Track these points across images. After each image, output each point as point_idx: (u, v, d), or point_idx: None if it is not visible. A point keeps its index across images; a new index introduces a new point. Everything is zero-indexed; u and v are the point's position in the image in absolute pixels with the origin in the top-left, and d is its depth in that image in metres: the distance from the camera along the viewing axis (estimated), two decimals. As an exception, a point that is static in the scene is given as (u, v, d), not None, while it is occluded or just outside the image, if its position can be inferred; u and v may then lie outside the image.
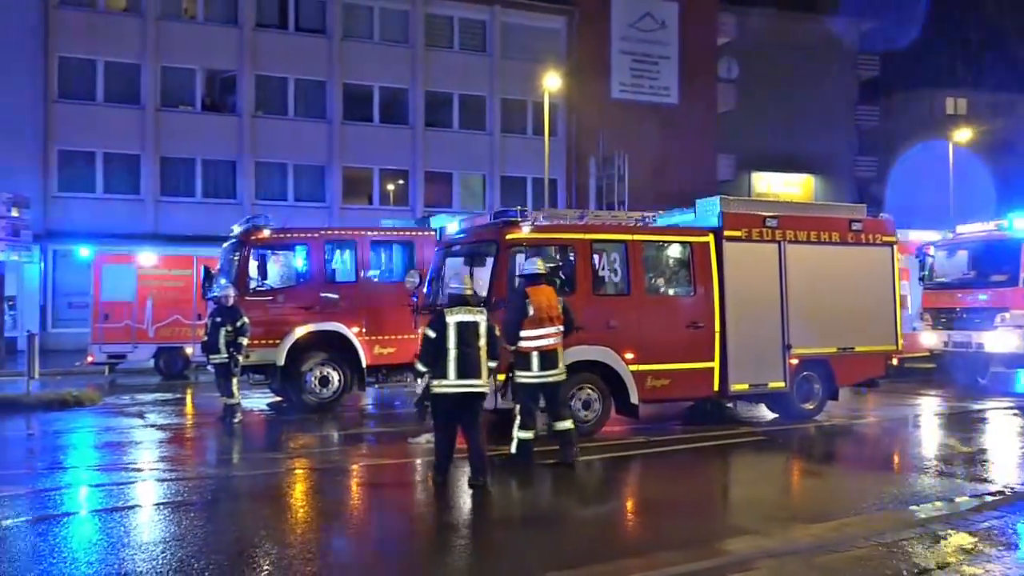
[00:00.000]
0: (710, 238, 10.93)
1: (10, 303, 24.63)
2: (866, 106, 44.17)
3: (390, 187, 31.36)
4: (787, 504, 7.53)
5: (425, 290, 11.00)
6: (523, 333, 8.36)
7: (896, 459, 9.62)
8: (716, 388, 10.78)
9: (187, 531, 6.50)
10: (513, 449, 8.39)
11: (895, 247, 12.07)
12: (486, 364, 7.73)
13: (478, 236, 10.58)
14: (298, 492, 8.27)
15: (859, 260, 11.76)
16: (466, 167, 32.08)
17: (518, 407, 8.43)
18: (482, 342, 7.72)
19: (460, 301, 7.81)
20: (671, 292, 11.07)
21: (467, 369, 7.61)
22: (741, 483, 8.65)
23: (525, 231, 9.95)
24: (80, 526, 6.77)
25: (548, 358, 8.50)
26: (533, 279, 8.61)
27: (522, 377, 8.45)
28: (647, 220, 11.55)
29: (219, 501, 7.62)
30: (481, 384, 7.69)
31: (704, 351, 10.71)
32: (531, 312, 8.36)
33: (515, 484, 8.18)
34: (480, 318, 7.77)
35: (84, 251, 20.53)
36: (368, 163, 30.61)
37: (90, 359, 18.35)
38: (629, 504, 7.92)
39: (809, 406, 11.51)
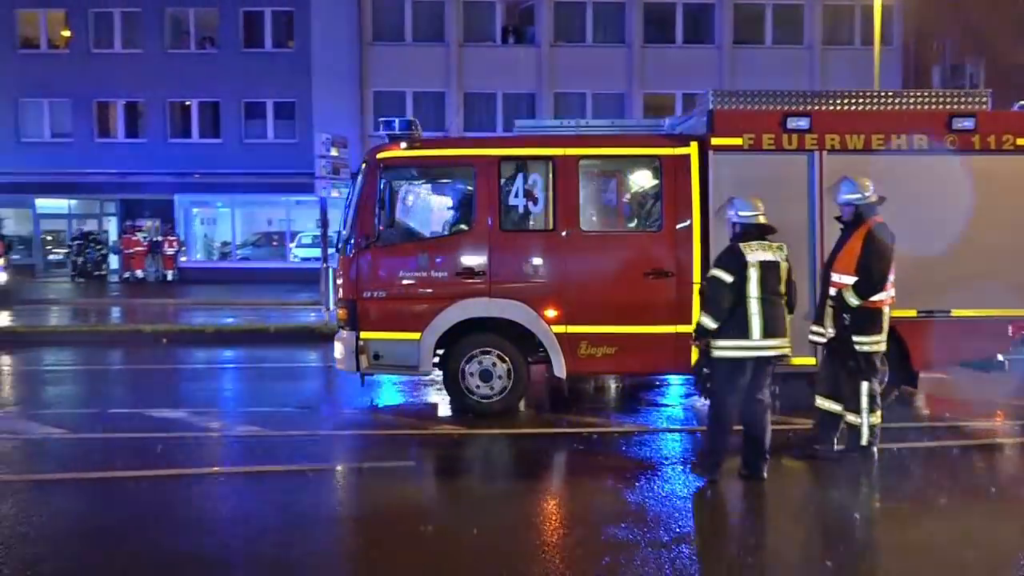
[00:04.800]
0: (691, 149, 7.88)
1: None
2: None
3: (695, 113, 29.20)
4: None
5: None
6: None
7: None
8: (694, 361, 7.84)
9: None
10: (864, 438, 6.41)
11: None
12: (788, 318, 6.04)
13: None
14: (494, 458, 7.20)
15: (967, 176, 7.75)
16: (780, 86, 28.52)
17: (866, 385, 6.38)
18: (783, 288, 6.00)
19: (756, 232, 6.05)
20: (625, 227, 8.35)
21: (775, 325, 5.91)
22: None
23: (401, 148, 7.84)
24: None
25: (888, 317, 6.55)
26: (875, 209, 6.51)
27: (869, 344, 6.38)
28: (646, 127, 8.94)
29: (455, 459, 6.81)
30: (788, 346, 5.99)
31: (672, 309, 7.79)
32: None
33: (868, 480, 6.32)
34: (782, 256, 6.02)
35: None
36: (670, 87, 28.62)
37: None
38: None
39: None
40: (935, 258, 7.58)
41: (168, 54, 28.27)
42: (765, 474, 6.03)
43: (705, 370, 6.01)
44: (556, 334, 7.84)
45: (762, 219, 6.08)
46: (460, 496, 6.08)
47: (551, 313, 7.82)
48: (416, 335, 7.88)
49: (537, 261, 7.93)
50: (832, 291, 6.48)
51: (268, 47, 28.39)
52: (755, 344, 5.87)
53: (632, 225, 8.43)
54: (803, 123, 7.80)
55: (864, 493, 6.17)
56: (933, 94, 8.04)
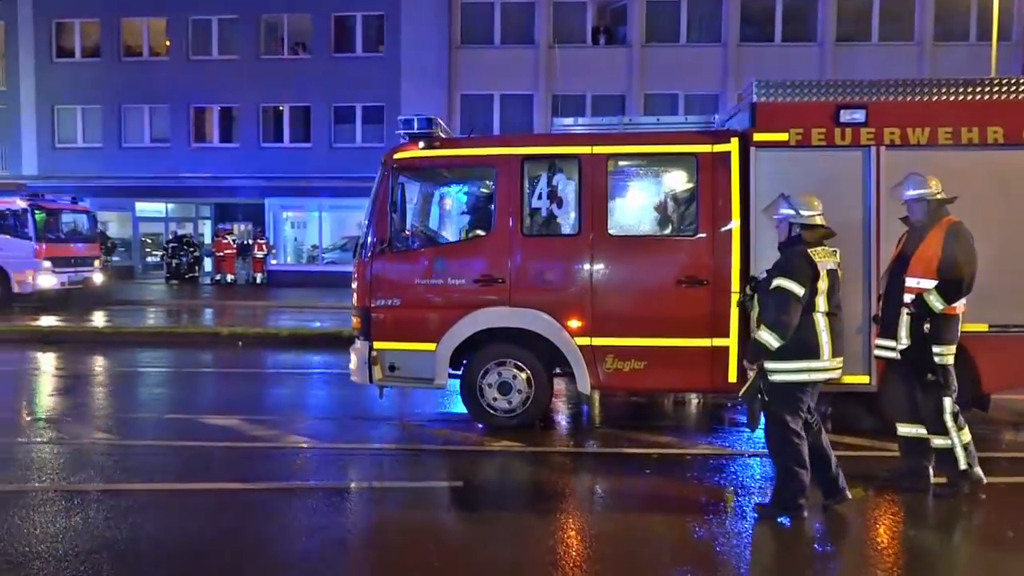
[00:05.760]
0: (731, 146, 7.15)
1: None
2: None
3: (793, 115, 27.84)
4: None
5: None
6: None
7: None
8: (732, 378, 7.06)
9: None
10: (961, 462, 5.65)
11: None
12: None
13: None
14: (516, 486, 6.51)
15: None
16: (886, 86, 27.21)
17: (948, 401, 5.64)
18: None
19: (818, 236, 5.35)
20: (656, 231, 7.47)
21: (840, 343, 5.29)
22: None
23: (419, 148, 7.31)
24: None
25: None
26: (946, 208, 5.79)
27: (948, 354, 5.68)
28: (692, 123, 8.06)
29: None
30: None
31: (707, 321, 7.12)
32: None
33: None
34: (838, 262, 5.37)
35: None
36: (768, 88, 27.42)
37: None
38: None
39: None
40: (1011, 266, 6.78)
41: (262, 60, 28.72)
42: (849, 493, 5.38)
43: (763, 397, 5.26)
44: (580, 346, 7.32)
45: (820, 219, 5.40)
46: (503, 523, 5.47)
47: (575, 324, 7.31)
48: (431, 346, 7.45)
49: (561, 268, 7.42)
50: (907, 297, 5.72)
51: (358, 52, 28.49)
52: (823, 365, 5.22)
53: (665, 229, 7.72)
54: (858, 116, 7.01)
55: (971, 531, 5.39)
56: (1008, 82, 7.09)
